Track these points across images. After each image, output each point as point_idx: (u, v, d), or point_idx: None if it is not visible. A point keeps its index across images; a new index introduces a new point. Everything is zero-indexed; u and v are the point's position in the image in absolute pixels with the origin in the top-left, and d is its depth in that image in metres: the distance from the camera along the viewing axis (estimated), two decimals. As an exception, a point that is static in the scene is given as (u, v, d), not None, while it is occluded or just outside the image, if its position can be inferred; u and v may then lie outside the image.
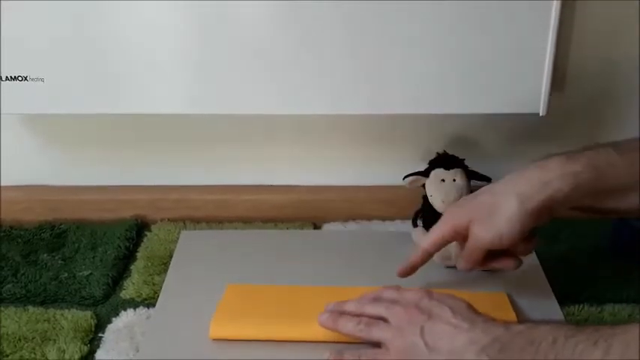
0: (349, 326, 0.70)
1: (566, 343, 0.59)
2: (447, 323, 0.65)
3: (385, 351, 0.68)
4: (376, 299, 0.72)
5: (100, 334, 0.80)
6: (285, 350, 0.74)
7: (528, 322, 0.64)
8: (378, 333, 0.68)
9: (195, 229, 0.98)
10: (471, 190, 0.89)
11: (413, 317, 0.67)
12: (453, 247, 0.86)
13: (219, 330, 0.75)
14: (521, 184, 0.71)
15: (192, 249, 0.93)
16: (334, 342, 0.72)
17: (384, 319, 0.69)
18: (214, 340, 0.75)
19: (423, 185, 0.91)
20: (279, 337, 0.74)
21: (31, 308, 0.84)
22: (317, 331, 0.73)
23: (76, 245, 0.95)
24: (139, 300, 0.85)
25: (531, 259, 0.88)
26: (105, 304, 0.85)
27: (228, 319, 0.77)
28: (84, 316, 0.82)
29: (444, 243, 0.77)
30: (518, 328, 0.63)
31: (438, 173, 0.89)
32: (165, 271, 0.89)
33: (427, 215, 0.91)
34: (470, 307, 0.68)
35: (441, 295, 0.69)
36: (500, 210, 0.71)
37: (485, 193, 0.74)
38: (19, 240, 0.96)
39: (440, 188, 0.88)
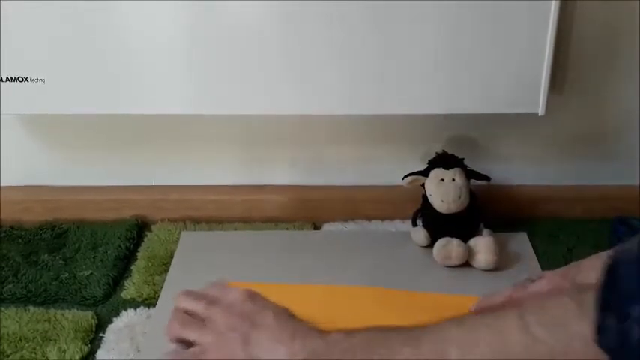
0: (173, 327, 0.69)
1: (382, 345, 0.60)
2: (269, 333, 0.64)
3: (202, 352, 0.66)
4: (199, 296, 0.70)
5: (100, 334, 0.80)
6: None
7: (348, 331, 0.63)
8: (193, 334, 0.67)
9: (195, 229, 0.98)
10: (470, 189, 0.90)
11: (234, 323, 0.66)
12: (454, 246, 0.86)
13: None
14: None
15: (193, 249, 0.93)
16: None
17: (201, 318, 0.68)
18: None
19: (423, 185, 0.91)
20: None
21: (31, 308, 0.84)
22: None
23: (77, 245, 0.95)
24: (139, 300, 0.85)
25: (531, 260, 0.89)
26: (105, 304, 0.85)
27: None
28: (84, 316, 0.82)
29: None
30: (335, 337, 0.63)
31: (437, 173, 0.90)
32: (166, 271, 0.89)
33: (427, 215, 0.91)
34: (291, 314, 0.67)
35: (265, 300, 0.68)
36: None
37: None
38: (20, 240, 0.97)
39: (439, 188, 0.89)
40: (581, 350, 0.51)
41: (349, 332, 0.63)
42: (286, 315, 0.67)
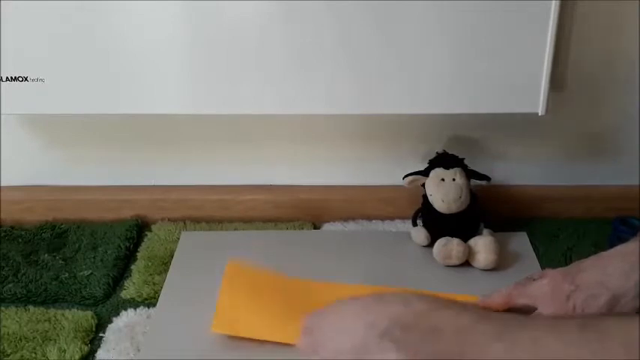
0: None
1: (473, 340, 0.55)
2: (331, 319, 0.62)
3: None
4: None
5: (100, 334, 0.80)
6: (286, 351, 0.74)
7: (429, 297, 0.58)
8: None
9: (195, 229, 0.98)
10: (470, 189, 0.90)
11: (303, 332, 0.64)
12: (455, 245, 0.86)
13: (222, 325, 0.76)
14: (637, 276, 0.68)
15: (193, 249, 0.93)
16: None
17: None
18: (215, 334, 0.75)
19: (423, 185, 0.91)
20: (279, 340, 0.74)
21: (31, 308, 0.84)
22: None
23: (77, 245, 0.95)
24: (139, 300, 0.85)
25: (531, 260, 0.89)
26: (105, 304, 0.85)
27: (230, 316, 0.77)
28: (84, 316, 0.82)
29: None
30: (420, 308, 0.57)
31: (437, 172, 0.90)
32: (166, 271, 0.89)
33: (427, 215, 0.91)
34: (374, 292, 0.61)
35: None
36: (620, 305, 0.69)
37: (596, 287, 0.69)
38: (20, 240, 0.97)
39: (440, 187, 0.89)
40: None
41: (433, 304, 0.57)
42: (361, 298, 0.61)
